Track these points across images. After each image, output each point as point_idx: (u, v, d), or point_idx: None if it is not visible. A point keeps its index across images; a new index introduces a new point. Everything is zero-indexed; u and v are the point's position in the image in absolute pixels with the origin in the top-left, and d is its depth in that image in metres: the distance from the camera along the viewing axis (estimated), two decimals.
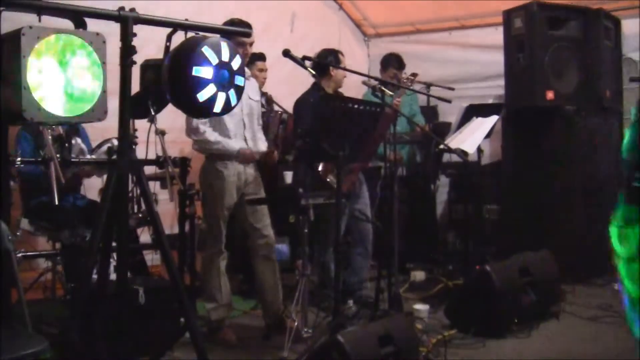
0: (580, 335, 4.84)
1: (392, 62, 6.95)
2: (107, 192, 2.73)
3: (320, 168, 4.83)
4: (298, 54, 4.68)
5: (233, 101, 2.86)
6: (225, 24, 4.59)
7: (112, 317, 2.87)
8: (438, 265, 6.91)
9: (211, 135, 4.77)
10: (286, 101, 6.36)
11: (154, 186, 5.02)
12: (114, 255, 3.06)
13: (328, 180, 4.84)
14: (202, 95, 2.72)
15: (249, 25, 4.88)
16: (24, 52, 2.33)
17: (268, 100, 6.46)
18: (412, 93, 6.65)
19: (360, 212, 5.74)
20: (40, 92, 2.37)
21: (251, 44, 4.94)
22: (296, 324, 4.47)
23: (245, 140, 4.93)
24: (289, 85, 6.35)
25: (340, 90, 5.73)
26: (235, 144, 4.83)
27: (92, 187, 5.30)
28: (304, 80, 5.62)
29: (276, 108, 6.50)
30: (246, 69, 4.98)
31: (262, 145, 5.20)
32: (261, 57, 6.26)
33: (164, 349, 4.26)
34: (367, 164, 5.75)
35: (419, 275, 6.51)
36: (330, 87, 5.66)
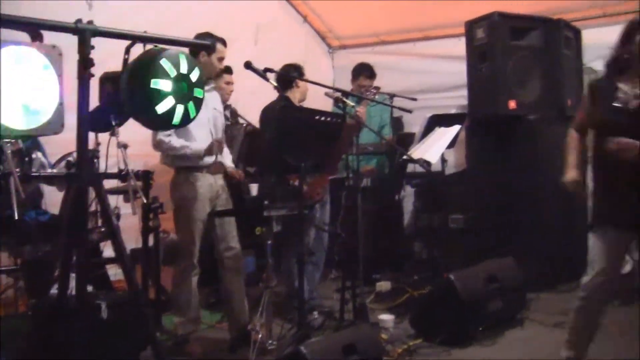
0: (544, 342, 4.87)
1: (363, 71, 6.98)
2: (66, 205, 2.71)
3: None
4: (263, 66, 4.69)
5: (192, 113, 2.85)
6: (198, 37, 4.60)
7: (74, 332, 2.84)
8: (404, 275, 6.93)
9: (176, 141, 4.74)
10: (251, 114, 6.36)
11: (117, 200, 4.98)
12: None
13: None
14: (161, 108, 2.71)
15: (222, 40, 4.90)
16: None
17: (233, 113, 6.44)
18: (380, 106, 6.68)
19: (323, 222, 5.76)
20: None
21: (220, 59, 4.93)
22: (260, 336, 4.46)
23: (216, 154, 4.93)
24: (253, 98, 6.34)
25: (305, 102, 5.75)
26: (200, 145, 4.81)
27: (55, 201, 5.25)
28: (269, 92, 5.62)
29: (241, 121, 6.49)
30: (210, 81, 5.03)
31: (228, 159, 5.21)
32: (228, 70, 6.25)
33: None
34: (333, 173, 5.77)
35: (384, 285, 6.51)
36: (296, 98, 5.68)
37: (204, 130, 4.82)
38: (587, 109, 3.92)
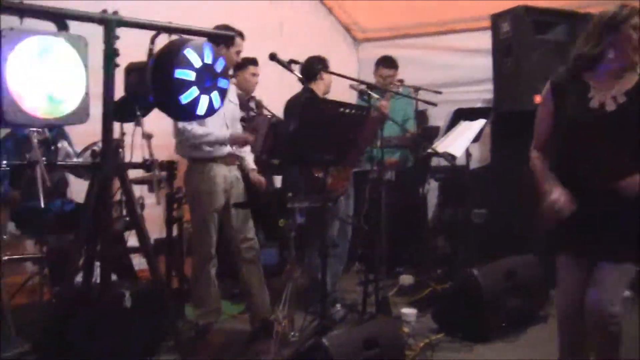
0: None
1: (382, 62, 6.95)
2: (91, 195, 2.72)
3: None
4: (288, 58, 4.69)
5: (216, 104, 2.87)
6: (217, 28, 4.60)
7: (96, 320, 2.86)
8: (426, 269, 6.91)
9: (199, 129, 4.75)
10: (274, 105, 6.36)
11: (141, 190, 5.00)
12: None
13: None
14: (185, 98, 2.72)
15: (240, 33, 4.90)
16: (4, 54, 2.32)
17: (257, 105, 6.45)
18: (405, 99, 6.67)
19: (347, 215, 5.76)
20: (22, 94, 2.37)
21: (238, 52, 4.94)
22: (282, 327, 4.47)
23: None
24: (277, 90, 6.34)
25: (329, 95, 5.74)
26: (222, 132, 4.83)
27: (80, 191, 5.29)
28: (293, 84, 5.63)
29: (266, 112, 6.50)
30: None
31: (249, 158, 5.23)
32: (253, 61, 6.26)
33: (149, 353, 4.25)
34: (356, 166, 5.77)
35: (407, 279, 6.49)
36: (320, 90, 5.68)
37: (219, 121, 4.83)
38: (550, 115, 3.45)
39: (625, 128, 3.20)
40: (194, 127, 4.73)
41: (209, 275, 4.92)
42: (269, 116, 6.41)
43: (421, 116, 7.78)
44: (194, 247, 5.01)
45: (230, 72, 5.09)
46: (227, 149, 4.88)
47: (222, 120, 4.84)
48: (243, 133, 4.91)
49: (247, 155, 5.25)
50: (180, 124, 4.73)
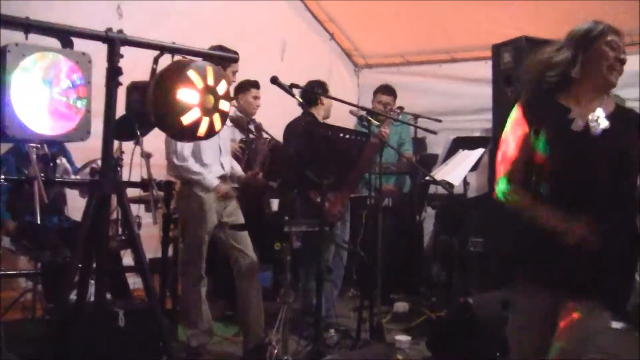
0: None
1: (382, 88, 6.97)
2: (88, 212, 2.72)
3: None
4: (289, 82, 4.71)
5: (217, 126, 2.86)
6: (212, 49, 4.62)
7: (90, 339, 2.84)
8: (422, 296, 6.90)
9: (194, 165, 4.79)
10: (274, 129, 6.37)
11: (138, 209, 5.00)
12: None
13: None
14: (187, 119, 2.72)
15: (235, 52, 4.91)
16: (8, 69, 2.32)
17: (257, 128, 6.46)
18: (400, 124, 6.69)
19: (343, 240, 5.76)
20: (24, 109, 2.36)
21: (234, 73, 4.96)
22: (276, 351, 4.45)
23: (222, 166, 4.98)
24: (277, 114, 6.36)
25: (329, 120, 5.76)
26: (213, 178, 4.87)
27: (78, 208, 5.28)
28: (293, 108, 5.65)
29: (265, 136, 6.50)
30: None
31: (237, 169, 5.24)
32: (255, 84, 6.28)
33: None
34: (354, 191, 5.78)
35: (402, 306, 6.49)
36: (320, 115, 5.70)
37: (212, 144, 4.85)
38: (524, 139, 3.00)
39: (613, 153, 2.90)
40: (190, 161, 4.76)
41: (199, 296, 4.91)
42: (268, 139, 6.42)
43: (420, 144, 7.80)
44: (184, 267, 5.02)
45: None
46: (219, 172, 4.93)
47: (215, 143, 4.86)
48: (227, 189, 4.93)
49: (235, 166, 5.33)
50: (179, 148, 4.73)
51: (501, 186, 3.12)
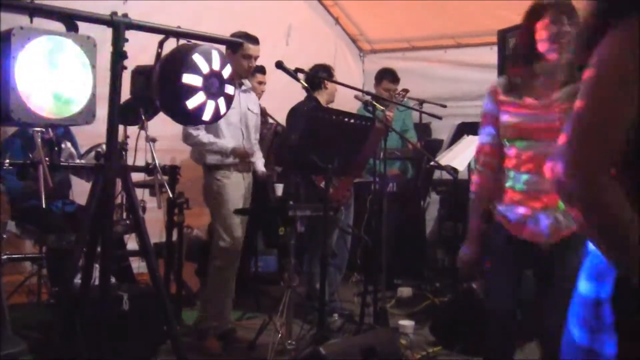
0: None
1: (386, 75, 6.96)
2: (93, 196, 2.72)
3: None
4: (293, 67, 4.70)
5: (222, 110, 2.86)
6: (233, 36, 4.61)
7: (95, 322, 2.85)
8: (425, 281, 6.91)
9: (205, 137, 4.77)
10: (279, 113, 6.37)
11: (143, 193, 5.01)
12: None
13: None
14: (191, 103, 2.72)
15: (256, 40, 4.91)
16: (13, 53, 2.32)
17: (262, 113, 6.46)
18: (404, 109, 6.68)
19: (347, 224, 5.77)
20: (29, 93, 2.37)
21: (256, 58, 4.95)
22: (280, 335, 4.46)
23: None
24: (282, 98, 6.35)
25: (333, 104, 5.75)
26: (228, 143, 4.83)
27: (82, 192, 5.29)
28: (297, 93, 5.64)
29: (270, 120, 6.51)
30: (248, 82, 5.05)
31: (260, 163, 5.21)
32: (261, 69, 6.27)
33: (147, 356, 4.25)
34: (359, 176, 5.77)
35: (405, 291, 6.50)
36: (324, 99, 5.69)
37: (234, 129, 4.84)
38: None
39: None
40: (199, 134, 4.76)
41: (230, 281, 4.90)
42: (274, 124, 6.42)
43: (424, 129, 7.80)
44: (218, 254, 4.87)
45: (247, 82, 5.09)
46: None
47: (236, 128, 4.85)
48: (244, 149, 4.89)
49: (258, 160, 5.25)
50: (188, 129, 4.74)
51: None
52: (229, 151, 4.80)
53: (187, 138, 4.83)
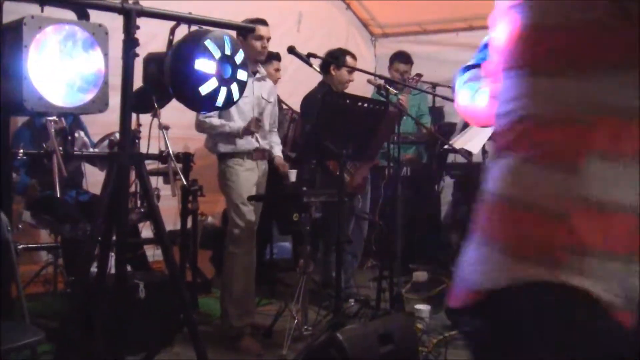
0: None
1: (398, 57, 6.92)
2: (107, 184, 2.71)
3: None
4: (305, 52, 4.67)
5: (235, 96, 2.85)
6: (245, 21, 4.57)
7: (111, 311, 2.86)
8: (441, 265, 6.89)
9: (216, 120, 4.74)
10: (291, 100, 6.36)
11: (157, 181, 5.01)
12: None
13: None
14: (204, 89, 2.70)
15: (265, 22, 4.87)
16: (25, 42, 2.31)
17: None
18: (418, 93, 6.65)
19: (363, 211, 5.76)
20: (41, 82, 2.36)
21: (268, 39, 4.90)
22: (296, 321, 4.46)
23: (257, 140, 4.82)
24: (294, 85, 6.34)
25: (346, 90, 5.73)
26: (238, 124, 4.79)
27: (96, 182, 5.29)
28: (309, 79, 5.62)
29: (284, 107, 6.48)
30: (262, 69, 5.02)
31: (277, 149, 5.18)
32: (277, 56, 6.25)
33: (164, 344, 4.26)
34: (374, 162, 5.76)
35: (421, 275, 6.49)
36: (337, 82, 5.67)
37: (246, 117, 4.80)
38: None
39: None
40: (211, 119, 4.73)
41: (250, 270, 4.80)
42: (290, 111, 6.40)
43: (437, 112, 7.76)
44: (235, 242, 4.77)
45: (262, 69, 5.05)
46: (254, 144, 4.82)
47: (248, 116, 4.79)
48: (255, 124, 4.83)
49: (276, 145, 5.22)
50: (199, 117, 4.73)
51: None
52: (241, 131, 4.75)
53: (199, 125, 4.80)
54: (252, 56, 4.66)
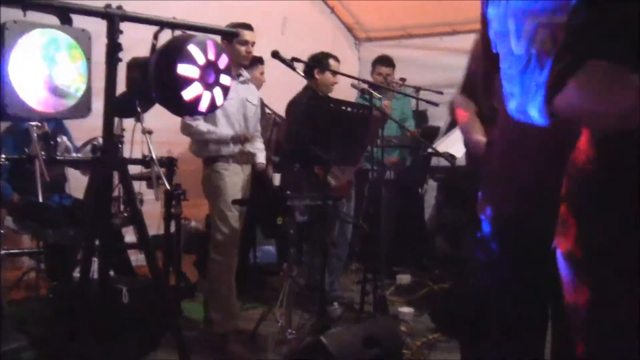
0: None
1: (380, 61, 6.95)
2: (91, 189, 2.71)
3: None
4: (289, 56, 4.67)
5: (219, 100, 2.85)
6: (230, 26, 4.57)
7: (94, 316, 2.85)
8: (424, 268, 6.92)
9: (203, 126, 4.73)
10: (275, 104, 6.36)
11: (140, 186, 4.99)
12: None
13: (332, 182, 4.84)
14: (187, 94, 2.70)
15: (250, 27, 4.87)
16: (7, 47, 2.30)
17: (261, 104, 6.46)
18: (403, 97, 6.67)
19: (347, 214, 5.76)
20: (23, 87, 2.35)
21: (253, 44, 4.90)
22: (280, 325, 4.46)
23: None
24: (278, 89, 6.34)
25: (330, 94, 5.73)
26: (227, 131, 4.79)
27: (79, 187, 5.28)
28: (293, 84, 5.62)
29: (267, 111, 6.48)
30: (246, 73, 5.02)
31: (261, 155, 5.18)
32: (261, 60, 6.26)
33: (148, 349, 4.25)
34: (359, 166, 5.77)
35: (405, 278, 6.50)
36: (322, 87, 5.67)
37: (232, 120, 4.80)
38: None
39: None
40: (198, 124, 4.73)
41: (232, 277, 4.78)
42: (272, 115, 6.40)
43: (421, 116, 7.78)
44: (217, 247, 4.78)
45: (245, 73, 5.05)
46: (238, 147, 4.83)
47: (233, 119, 4.80)
48: (244, 134, 4.84)
49: (259, 152, 5.21)
50: (186, 120, 4.72)
51: None
52: (229, 139, 4.76)
53: (185, 129, 4.79)
54: (236, 60, 4.68)
